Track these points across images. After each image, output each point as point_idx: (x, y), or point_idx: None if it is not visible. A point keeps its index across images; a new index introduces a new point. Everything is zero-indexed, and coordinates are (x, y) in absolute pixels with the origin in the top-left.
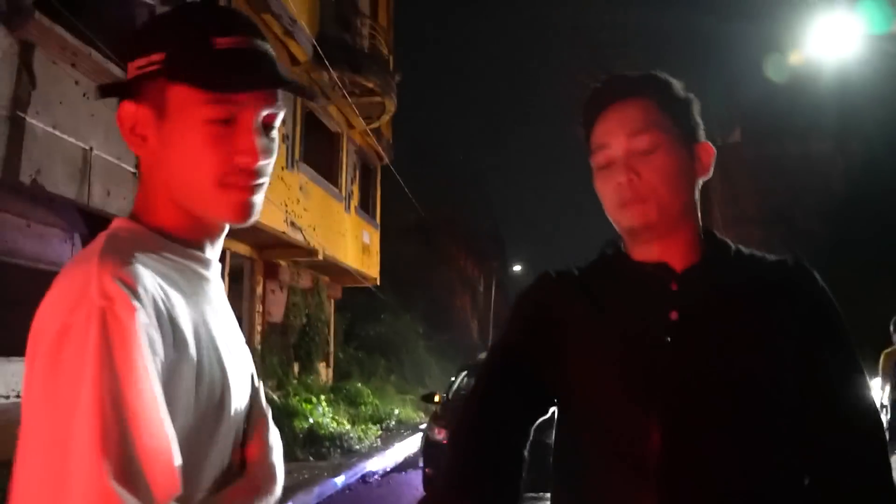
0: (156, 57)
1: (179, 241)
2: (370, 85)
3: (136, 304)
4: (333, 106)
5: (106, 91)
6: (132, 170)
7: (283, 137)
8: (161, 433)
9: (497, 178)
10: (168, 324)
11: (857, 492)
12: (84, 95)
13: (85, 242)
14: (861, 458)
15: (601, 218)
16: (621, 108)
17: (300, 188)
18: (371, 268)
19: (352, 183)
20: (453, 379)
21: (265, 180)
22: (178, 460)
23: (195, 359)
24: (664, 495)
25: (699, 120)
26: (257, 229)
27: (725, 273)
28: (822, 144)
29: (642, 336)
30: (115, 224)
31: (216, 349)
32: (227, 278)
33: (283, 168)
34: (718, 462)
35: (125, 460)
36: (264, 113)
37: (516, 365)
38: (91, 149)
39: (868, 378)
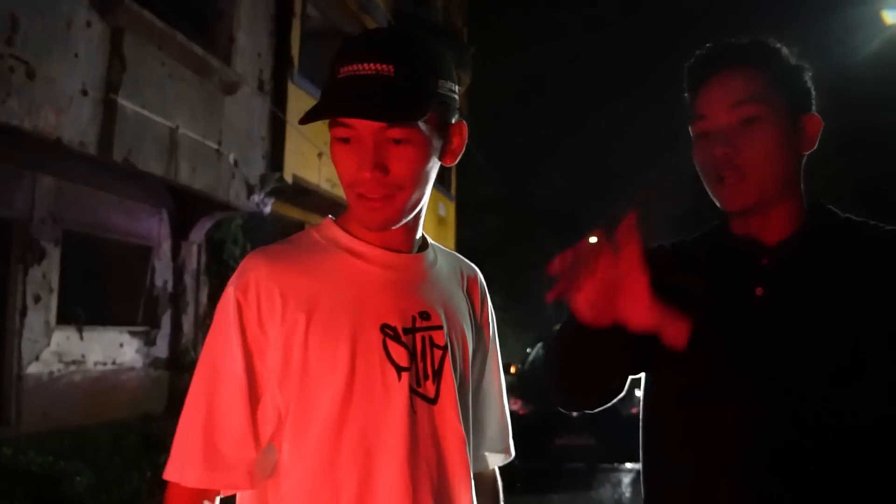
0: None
1: (364, 241)
2: None
3: (238, 287)
4: None
5: None
6: (216, 147)
7: None
8: (233, 381)
9: (576, 150)
10: (279, 303)
11: None
12: (170, 76)
13: (171, 217)
14: None
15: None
16: (725, 78)
17: None
18: (447, 240)
19: None
20: (529, 350)
21: (399, 192)
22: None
23: (308, 324)
24: (738, 480)
25: (810, 87)
26: (337, 203)
27: (824, 245)
28: None
29: (725, 312)
30: (323, 221)
31: (345, 332)
32: None
33: None
34: (799, 438)
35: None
36: (385, 132)
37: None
38: (177, 127)
39: None
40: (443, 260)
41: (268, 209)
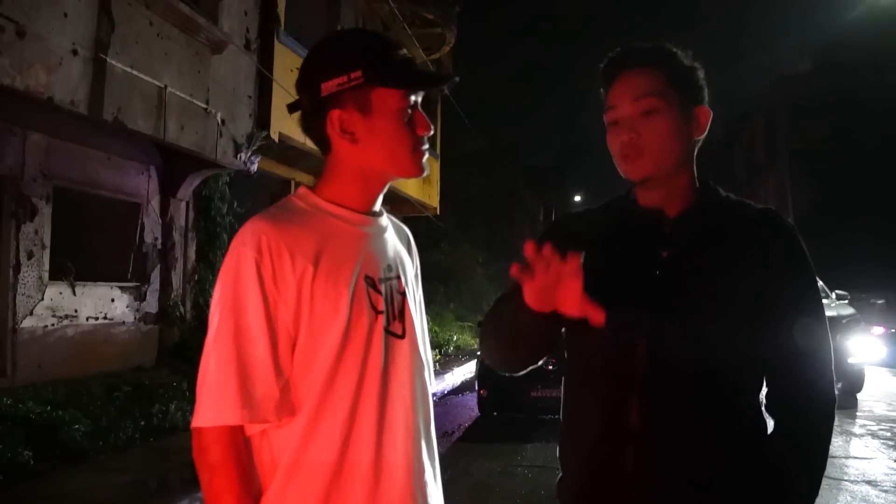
0: (354, 74)
1: (342, 206)
2: (430, 16)
3: (253, 248)
4: (394, 37)
5: (295, 108)
6: (204, 106)
7: None
8: (256, 330)
9: (561, 108)
10: (289, 262)
11: (803, 393)
12: (158, 35)
13: (160, 174)
14: (810, 365)
15: None
16: (630, 76)
17: None
18: (431, 197)
19: None
20: None
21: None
22: (264, 354)
23: (311, 286)
24: (647, 400)
25: (702, 84)
26: (321, 160)
27: (713, 219)
28: None
29: (637, 270)
30: (299, 190)
31: (343, 284)
32: None
33: None
34: (691, 370)
35: (231, 354)
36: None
37: None
38: (166, 87)
39: (824, 308)
40: (390, 222)
41: (254, 167)
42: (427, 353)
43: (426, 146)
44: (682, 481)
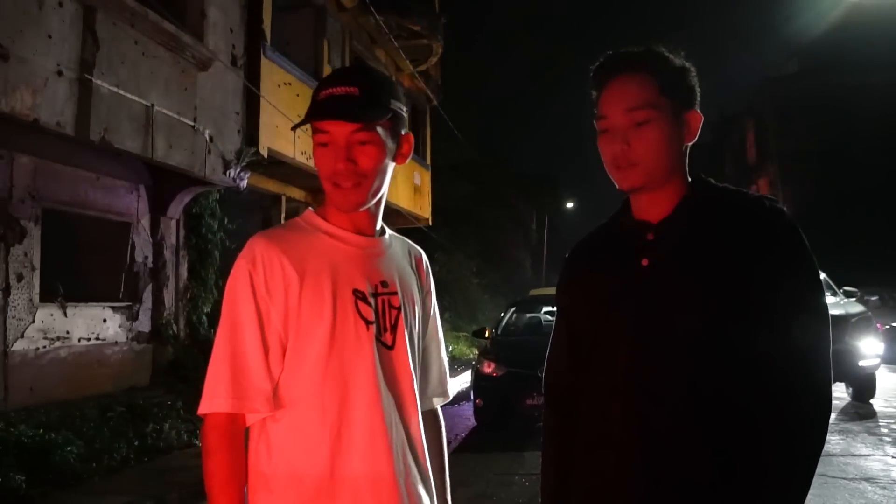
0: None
1: (336, 225)
2: (416, 28)
3: (248, 260)
4: (381, 50)
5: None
6: (191, 124)
7: None
8: (250, 337)
9: (550, 114)
10: (280, 272)
11: (798, 394)
12: (143, 54)
13: (149, 193)
14: (806, 364)
15: None
16: (621, 83)
17: None
18: (423, 208)
19: None
20: (503, 315)
21: (364, 180)
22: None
23: (304, 298)
24: (627, 408)
25: (694, 85)
26: (311, 175)
27: (702, 217)
28: (882, 76)
29: (618, 283)
30: (304, 212)
31: (327, 293)
32: (283, 221)
33: None
34: (670, 382)
35: (229, 355)
36: (353, 136)
37: (564, 346)
38: (153, 105)
39: (827, 310)
40: (397, 243)
41: (244, 183)
42: (442, 364)
43: (348, 183)
44: (663, 491)
